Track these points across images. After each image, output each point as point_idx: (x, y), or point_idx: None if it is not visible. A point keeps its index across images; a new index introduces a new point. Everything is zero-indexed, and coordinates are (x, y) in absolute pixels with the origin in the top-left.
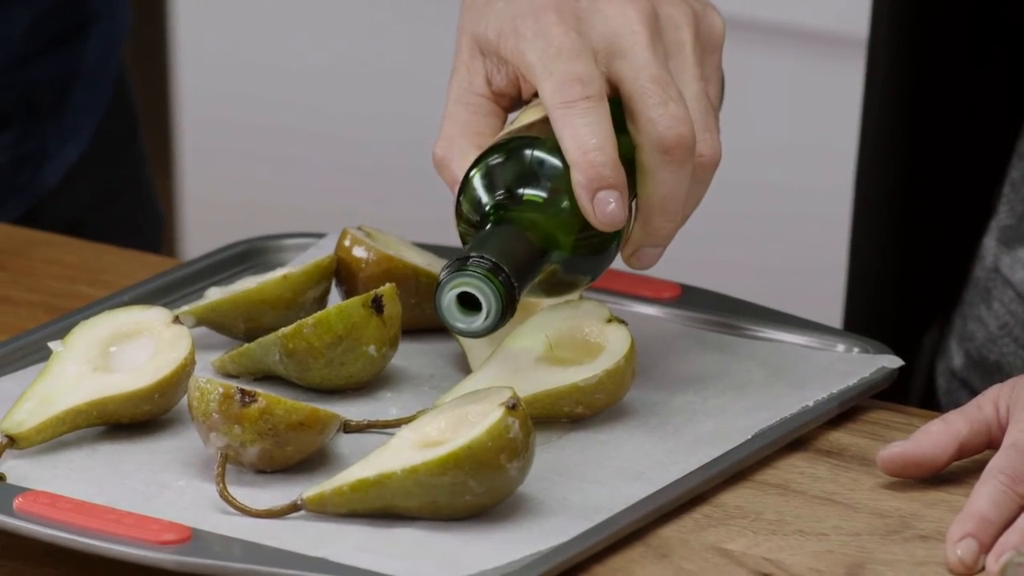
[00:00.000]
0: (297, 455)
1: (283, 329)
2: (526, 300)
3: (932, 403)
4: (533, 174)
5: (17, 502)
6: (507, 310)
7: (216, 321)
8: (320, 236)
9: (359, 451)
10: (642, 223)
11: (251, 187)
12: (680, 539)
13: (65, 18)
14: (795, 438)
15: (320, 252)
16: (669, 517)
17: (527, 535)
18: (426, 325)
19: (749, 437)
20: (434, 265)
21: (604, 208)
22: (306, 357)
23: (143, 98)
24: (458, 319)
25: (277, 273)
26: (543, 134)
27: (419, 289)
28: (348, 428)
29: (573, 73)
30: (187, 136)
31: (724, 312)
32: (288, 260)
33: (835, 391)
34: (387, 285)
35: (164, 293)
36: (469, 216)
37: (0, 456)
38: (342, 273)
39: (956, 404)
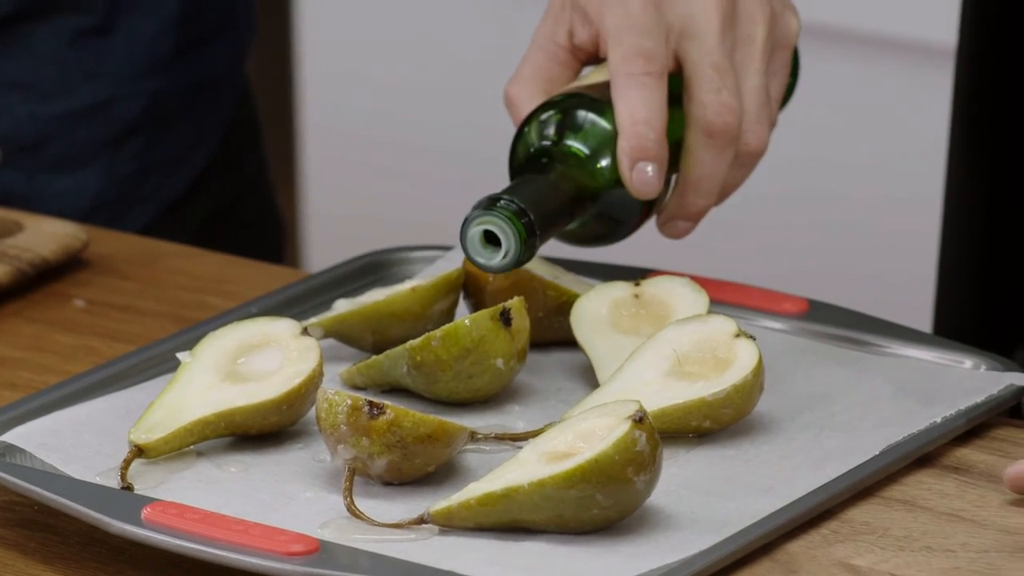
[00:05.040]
0: (424, 468)
1: (411, 341)
2: (657, 313)
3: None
4: (583, 131)
5: (145, 512)
6: (526, 252)
7: (344, 333)
8: (447, 248)
9: (486, 465)
10: (678, 196)
11: (375, 199)
12: (807, 554)
13: (190, 29)
14: (923, 454)
15: (448, 265)
16: (796, 532)
17: (654, 548)
18: (553, 339)
19: (877, 453)
20: (561, 279)
21: (642, 177)
22: (434, 369)
23: (267, 110)
24: (479, 253)
25: (405, 285)
26: (603, 97)
27: (547, 303)
28: (475, 441)
29: (641, 47)
30: (311, 147)
31: (851, 327)
32: (415, 272)
33: (963, 408)
34: (515, 298)
35: (292, 305)
36: (520, 159)
37: (128, 466)
38: (469, 286)
39: None
